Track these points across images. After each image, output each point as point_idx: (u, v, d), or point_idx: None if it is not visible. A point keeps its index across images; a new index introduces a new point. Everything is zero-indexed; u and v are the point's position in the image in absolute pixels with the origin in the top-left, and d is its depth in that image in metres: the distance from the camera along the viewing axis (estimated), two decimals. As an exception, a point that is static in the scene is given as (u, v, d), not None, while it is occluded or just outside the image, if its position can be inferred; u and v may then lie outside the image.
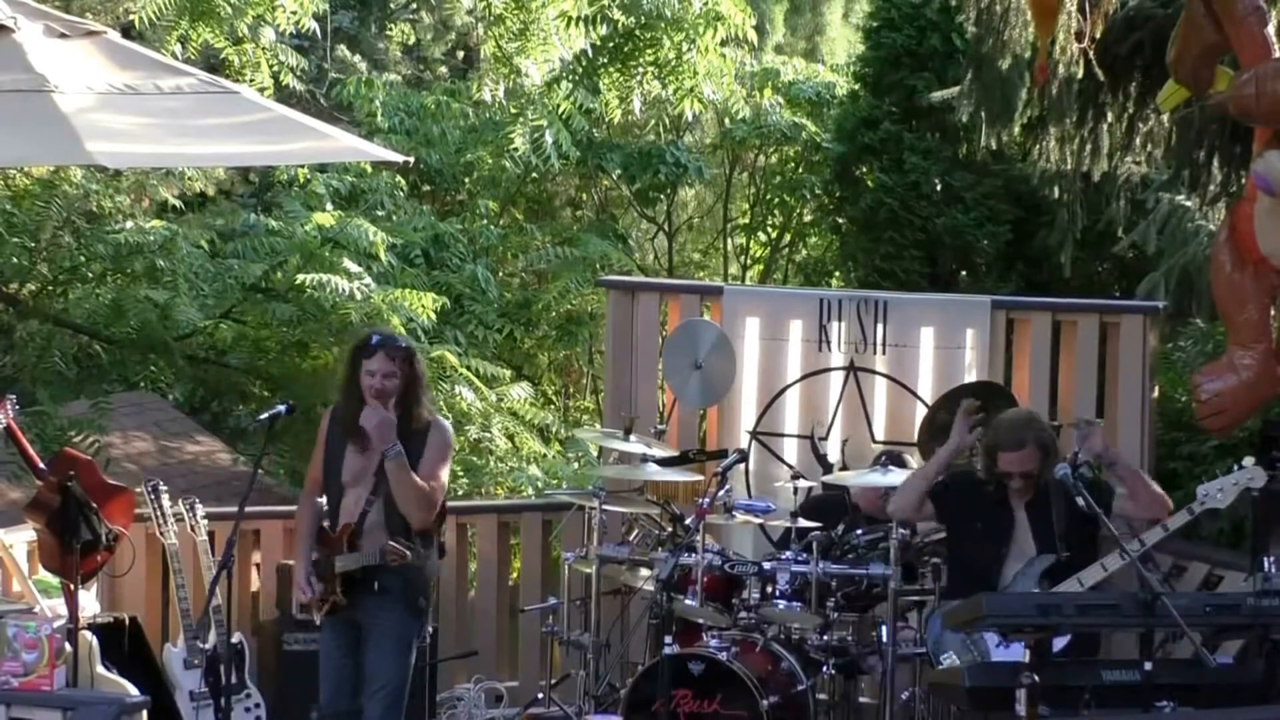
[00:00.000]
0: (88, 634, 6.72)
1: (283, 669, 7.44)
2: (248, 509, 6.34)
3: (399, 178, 13.44)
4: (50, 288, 11.31)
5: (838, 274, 15.08)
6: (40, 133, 5.68)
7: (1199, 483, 6.76)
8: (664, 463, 7.26)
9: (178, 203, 12.74)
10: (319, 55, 16.36)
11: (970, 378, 7.75)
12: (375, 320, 11.11)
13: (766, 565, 6.77)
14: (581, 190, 15.82)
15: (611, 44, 13.74)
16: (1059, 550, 6.11)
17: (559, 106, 13.33)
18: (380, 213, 13.04)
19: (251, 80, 11.70)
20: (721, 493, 6.66)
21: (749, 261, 16.62)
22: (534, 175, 14.35)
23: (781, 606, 6.69)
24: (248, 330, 11.67)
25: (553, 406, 14.71)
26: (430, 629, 6.22)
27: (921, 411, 7.65)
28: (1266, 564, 5.83)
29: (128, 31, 10.65)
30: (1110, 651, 6.74)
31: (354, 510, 6.05)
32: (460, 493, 11.75)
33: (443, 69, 19.66)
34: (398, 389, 6.00)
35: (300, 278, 11.09)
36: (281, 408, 6.24)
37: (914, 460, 7.24)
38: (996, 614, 5.23)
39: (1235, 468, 6.09)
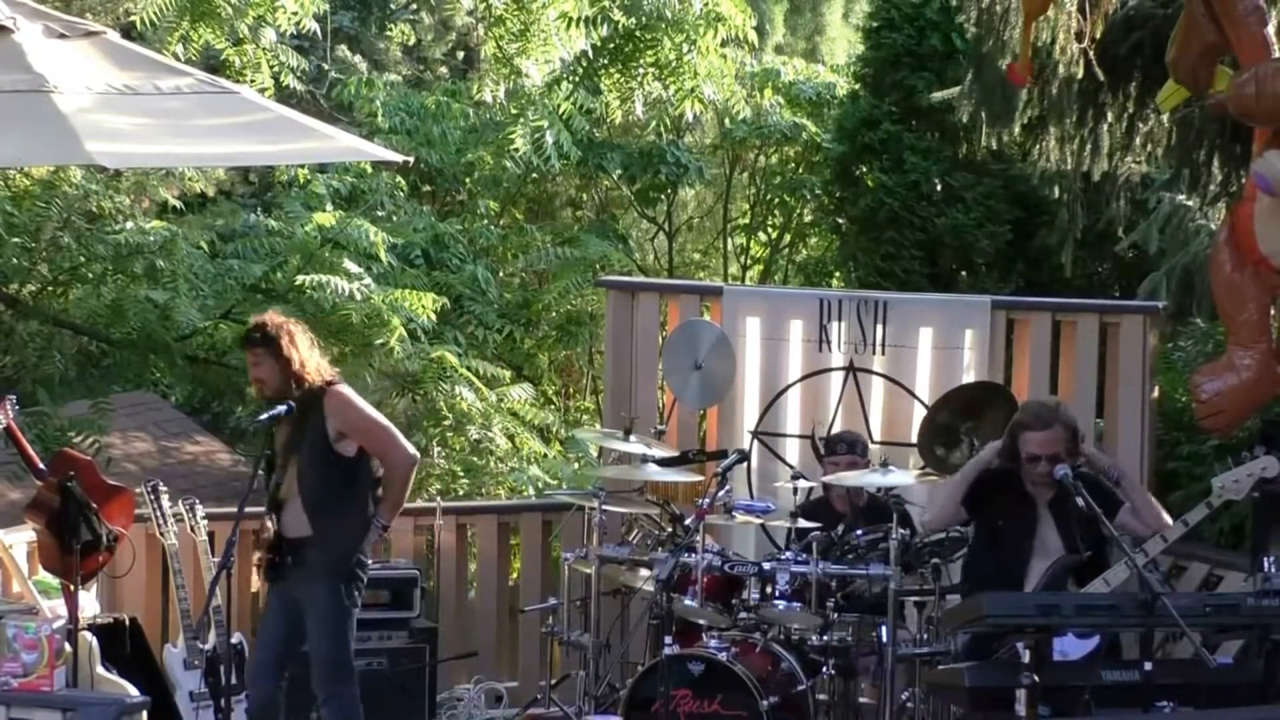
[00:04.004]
0: (88, 634, 6.72)
1: (283, 669, 7.43)
2: (248, 509, 6.34)
3: (399, 178, 13.43)
4: (50, 288, 11.30)
5: (838, 274, 15.07)
6: (40, 133, 5.67)
7: (1199, 483, 6.76)
8: (664, 463, 7.26)
9: (178, 203, 12.73)
10: (319, 56, 16.36)
11: (970, 378, 7.75)
12: (375, 321, 11.11)
13: (766, 565, 6.76)
14: (582, 190, 15.82)
15: (612, 45, 13.74)
16: (1081, 550, 6.10)
17: (559, 107, 13.33)
18: (380, 213, 13.03)
19: (252, 81, 11.69)
20: (722, 493, 6.66)
21: (749, 261, 16.62)
22: (534, 175, 14.35)
23: (781, 607, 6.68)
24: (248, 331, 11.64)
25: (553, 407, 14.71)
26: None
27: (921, 412, 7.65)
28: (1266, 564, 5.82)
29: (128, 32, 10.64)
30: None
31: None
32: (461, 493, 11.78)
33: (443, 69, 19.69)
34: (273, 374, 6.26)
35: (300, 278, 11.08)
36: (282, 408, 6.22)
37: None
38: (996, 614, 5.22)
39: (1246, 458, 6.08)
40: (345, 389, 6.37)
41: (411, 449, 6.39)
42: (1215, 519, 7.38)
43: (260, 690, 6.37)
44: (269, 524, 6.26)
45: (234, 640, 7.18)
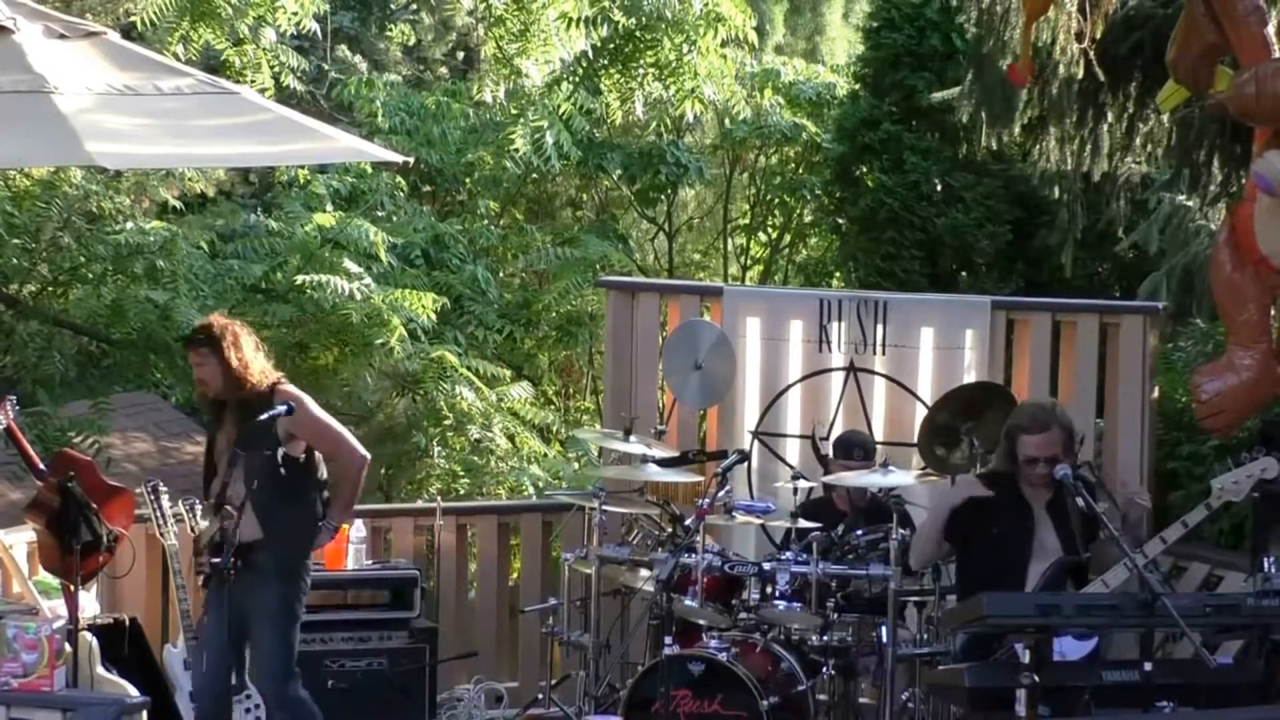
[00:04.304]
0: (88, 635, 6.71)
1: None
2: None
3: (399, 178, 13.44)
4: (50, 288, 11.30)
5: (838, 274, 15.08)
6: (40, 133, 5.68)
7: (1199, 483, 6.75)
8: (664, 463, 7.25)
9: (178, 203, 12.73)
10: (319, 56, 16.36)
11: (970, 378, 7.75)
12: (375, 321, 11.11)
13: (766, 566, 6.76)
14: (582, 191, 15.82)
15: (612, 45, 13.75)
16: (1080, 551, 6.09)
17: (559, 107, 13.34)
18: (380, 213, 13.04)
19: (252, 81, 11.70)
20: (722, 493, 6.65)
21: (749, 262, 16.63)
22: (534, 175, 14.36)
23: (781, 607, 6.68)
24: (248, 331, 11.64)
25: (553, 407, 14.71)
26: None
27: (921, 412, 7.65)
28: (1266, 564, 5.82)
29: (128, 33, 10.64)
30: (1110, 652, 6.73)
31: None
32: (461, 493, 11.78)
33: (443, 69, 19.68)
34: (216, 376, 6.23)
35: (300, 278, 11.09)
36: (282, 408, 6.21)
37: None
38: (997, 614, 5.22)
39: (1246, 458, 6.07)
40: (293, 390, 6.35)
41: (362, 449, 6.39)
42: (1215, 519, 7.38)
43: (212, 699, 6.32)
44: (235, 514, 6.13)
45: (234, 640, 7.17)
